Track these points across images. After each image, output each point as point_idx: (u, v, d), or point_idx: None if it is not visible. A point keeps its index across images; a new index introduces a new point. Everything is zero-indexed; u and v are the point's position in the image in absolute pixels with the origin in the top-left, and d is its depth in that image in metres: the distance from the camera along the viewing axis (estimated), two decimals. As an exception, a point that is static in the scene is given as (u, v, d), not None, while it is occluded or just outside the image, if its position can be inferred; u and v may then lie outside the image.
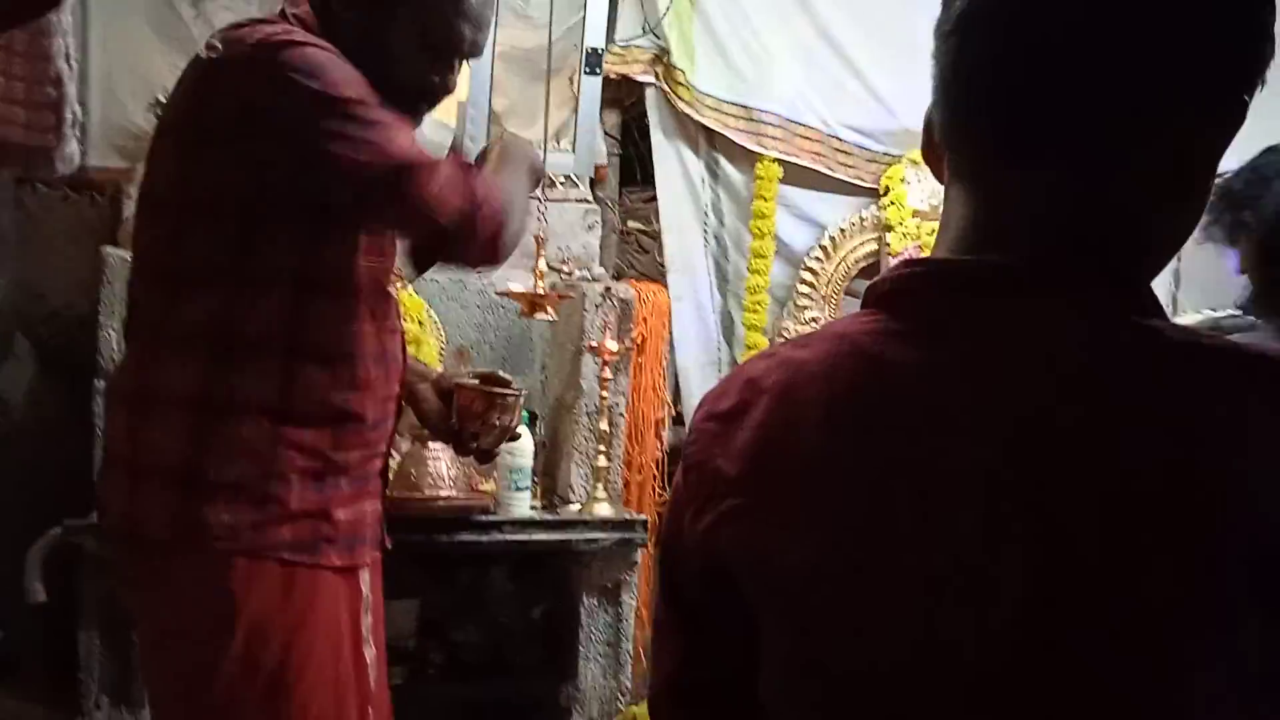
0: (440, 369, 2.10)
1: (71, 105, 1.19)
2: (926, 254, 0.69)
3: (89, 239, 2.69)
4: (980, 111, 0.65)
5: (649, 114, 2.89)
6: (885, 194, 2.99)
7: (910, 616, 0.60)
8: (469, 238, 1.36)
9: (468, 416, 1.61)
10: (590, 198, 2.85)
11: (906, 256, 0.71)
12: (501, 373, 1.72)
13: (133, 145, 2.60)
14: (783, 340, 0.71)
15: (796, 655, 0.65)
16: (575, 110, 2.74)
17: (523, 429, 1.82)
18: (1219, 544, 0.55)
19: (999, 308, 0.63)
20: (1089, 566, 0.56)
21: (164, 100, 2.49)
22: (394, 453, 1.71)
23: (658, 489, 2.72)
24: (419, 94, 1.47)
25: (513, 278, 2.56)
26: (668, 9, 2.81)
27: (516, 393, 1.65)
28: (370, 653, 1.49)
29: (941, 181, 0.70)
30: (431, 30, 1.44)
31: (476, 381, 1.65)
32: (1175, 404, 0.58)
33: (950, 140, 0.68)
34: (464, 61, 1.50)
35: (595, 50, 2.69)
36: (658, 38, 2.83)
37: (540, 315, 2.37)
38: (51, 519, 2.15)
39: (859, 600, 0.62)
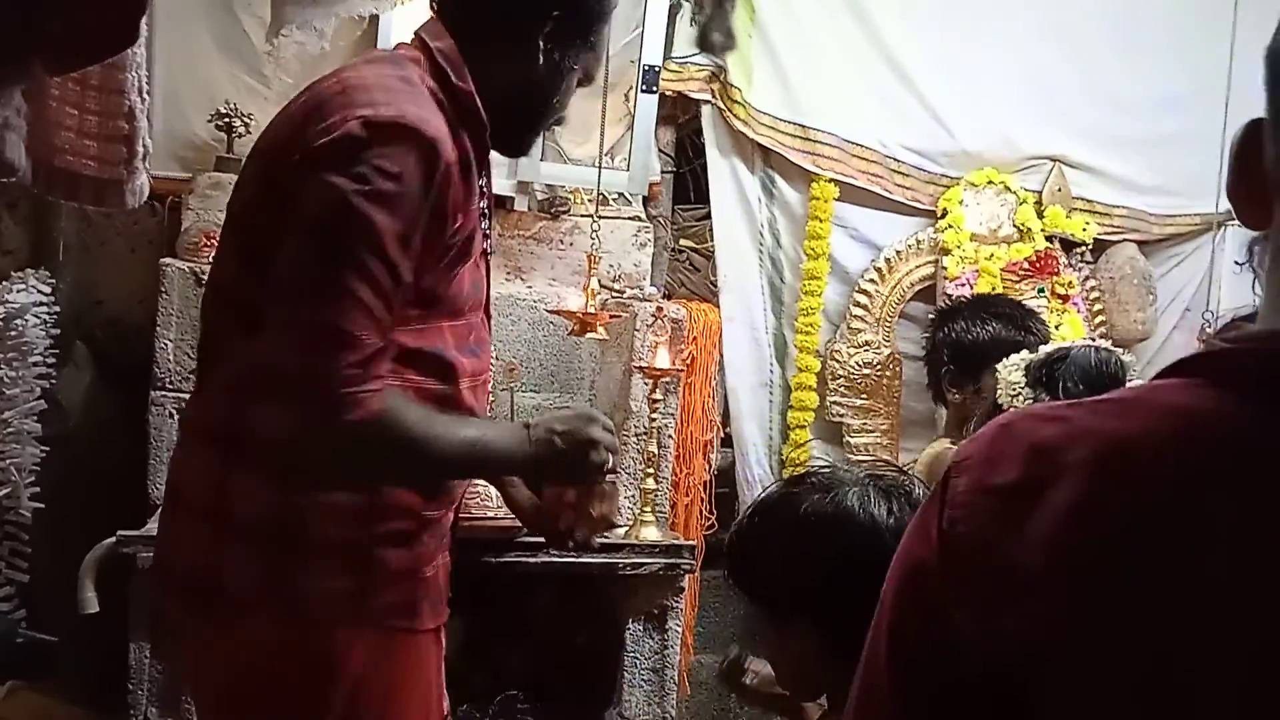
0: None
1: (143, 139, 1.20)
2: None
3: (147, 247, 2.73)
4: None
5: (705, 132, 2.87)
6: (943, 216, 2.95)
7: None
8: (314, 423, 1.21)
9: (559, 508, 1.46)
10: (643, 215, 2.83)
11: (1241, 328, 0.59)
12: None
13: (193, 155, 2.63)
14: (1063, 403, 0.60)
15: None
16: (630, 127, 2.72)
17: None
18: None
19: None
20: None
21: (224, 110, 2.56)
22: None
23: (704, 512, 2.70)
24: (545, 119, 1.46)
25: (566, 295, 2.55)
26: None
27: (615, 478, 1.50)
28: (446, 703, 1.47)
29: (1253, 226, 0.60)
30: (572, 57, 1.41)
31: None
32: None
33: None
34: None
35: (652, 68, 2.67)
36: (715, 55, 2.81)
37: (590, 335, 2.36)
38: (104, 523, 2.18)
39: None
